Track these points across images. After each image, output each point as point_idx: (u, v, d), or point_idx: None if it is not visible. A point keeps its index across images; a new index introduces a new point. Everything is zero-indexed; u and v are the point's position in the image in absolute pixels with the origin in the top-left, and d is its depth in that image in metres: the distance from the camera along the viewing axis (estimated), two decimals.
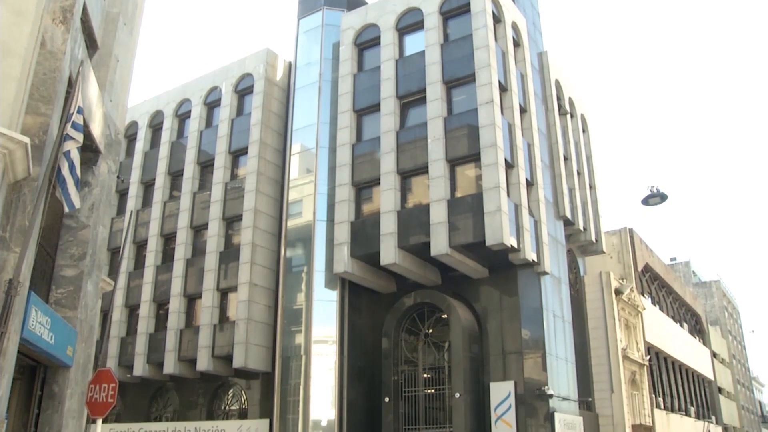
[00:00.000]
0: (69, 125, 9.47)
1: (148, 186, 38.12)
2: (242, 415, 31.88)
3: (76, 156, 9.89)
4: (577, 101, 37.28)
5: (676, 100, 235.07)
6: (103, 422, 15.17)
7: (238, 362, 29.44)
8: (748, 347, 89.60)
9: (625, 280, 37.51)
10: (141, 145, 38.99)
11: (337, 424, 27.73)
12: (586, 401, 31.70)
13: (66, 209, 9.84)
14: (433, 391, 28.12)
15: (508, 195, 26.54)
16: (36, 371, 12.11)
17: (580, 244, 35.32)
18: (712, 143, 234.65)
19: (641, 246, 43.08)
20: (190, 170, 35.55)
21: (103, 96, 13.20)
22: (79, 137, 9.84)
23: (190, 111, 37.21)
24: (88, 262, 12.73)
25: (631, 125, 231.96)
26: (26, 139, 8.86)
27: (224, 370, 31.25)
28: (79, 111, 9.90)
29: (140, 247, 37.16)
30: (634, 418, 34.72)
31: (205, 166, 35.55)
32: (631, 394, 35.20)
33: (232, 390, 33.15)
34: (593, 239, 35.00)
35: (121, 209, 38.19)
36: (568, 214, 31.98)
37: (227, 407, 33.26)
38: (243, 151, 33.58)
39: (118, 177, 15.36)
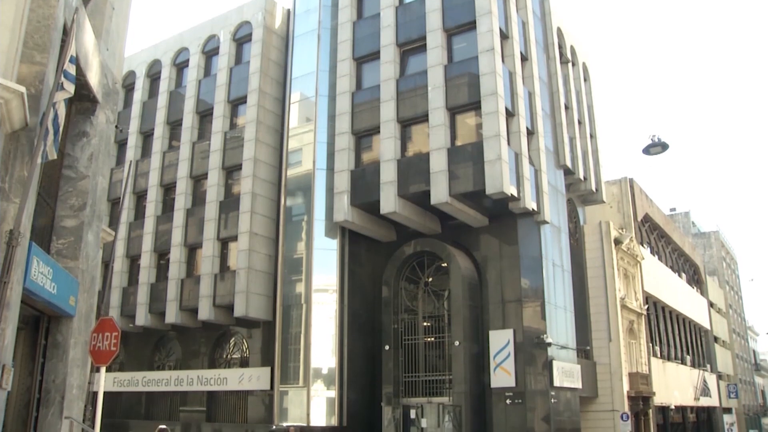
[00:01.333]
0: (62, 75, 9.34)
1: (147, 136, 37.94)
2: (244, 363, 32.28)
3: (62, 107, 9.75)
4: (578, 49, 36.87)
5: (678, 48, 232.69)
6: (107, 371, 15.35)
7: (239, 311, 29.68)
8: (745, 296, 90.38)
9: (624, 230, 37.57)
10: (139, 94, 38.68)
11: (337, 372, 28.07)
12: (584, 350, 32.03)
13: (38, 161, 9.69)
14: (432, 339, 28.41)
15: (509, 143, 26.43)
16: (40, 321, 12.21)
17: (580, 194, 35.29)
18: (713, 93, 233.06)
19: (641, 196, 43.04)
20: (189, 120, 35.34)
21: (100, 45, 13.03)
22: (71, 87, 9.70)
23: (188, 60, 36.82)
24: (88, 212, 12.72)
25: (633, 74, 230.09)
26: (22, 89, 8.75)
27: (225, 319, 31.53)
28: (72, 60, 9.74)
29: (140, 197, 37.15)
30: (631, 366, 35.12)
31: (204, 115, 35.33)
32: (628, 342, 35.55)
33: (233, 339, 33.50)
34: (593, 189, 34.95)
35: (120, 160, 38.10)
36: (569, 163, 31.88)
37: (229, 356, 33.65)
38: (242, 100, 33.33)
39: (116, 127, 15.26)
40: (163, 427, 18.71)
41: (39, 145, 9.23)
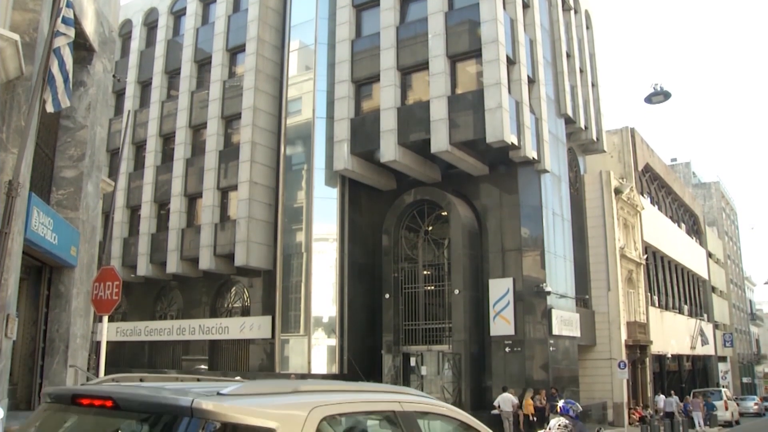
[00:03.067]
0: (59, 20, 9.15)
1: (145, 86, 37.58)
2: (245, 312, 32.53)
3: (67, 53, 9.58)
4: None
5: None
6: (110, 321, 15.45)
7: (239, 260, 29.79)
8: (744, 247, 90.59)
9: (624, 180, 37.49)
10: (136, 44, 38.20)
11: (338, 320, 28.31)
12: (583, 299, 32.23)
13: (50, 109, 9.57)
14: (432, 287, 28.57)
15: (509, 92, 26.21)
16: (42, 271, 12.26)
17: (580, 143, 35.13)
18: (716, 41, 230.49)
19: (642, 145, 42.83)
20: (187, 69, 34.97)
21: None
22: (70, 32, 9.53)
23: (185, 8, 36.24)
24: (87, 162, 12.67)
25: (636, 22, 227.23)
26: (16, 37, 8.62)
27: (226, 268, 31.67)
28: (69, 5, 9.55)
29: (139, 147, 37.00)
30: (629, 315, 35.39)
31: (203, 64, 34.94)
32: (627, 292, 35.75)
33: (234, 288, 33.70)
34: (594, 138, 34.78)
35: (118, 110, 37.77)
36: (570, 112, 31.66)
37: (230, 305, 33.90)
38: (240, 49, 32.89)
39: (114, 76, 15.09)
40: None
41: (36, 94, 9.13)
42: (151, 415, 3.28)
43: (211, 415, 2.99)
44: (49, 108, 9.48)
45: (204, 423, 2.96)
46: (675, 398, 34.47)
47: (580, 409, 11.08)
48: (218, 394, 3.22)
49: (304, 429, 3.29)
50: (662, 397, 34.60)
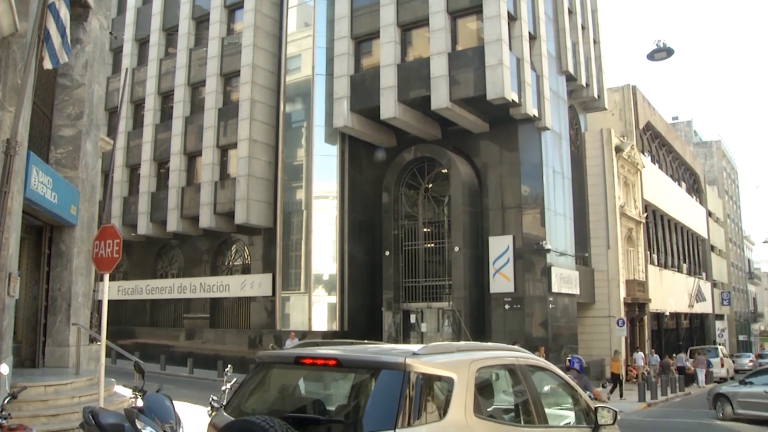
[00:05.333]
0: None
1: (142, 43, 37.22)
2: (245, 270, 32.67)
3: (63, 7, 9.44)
4: None
5: None
6: (111, 280, 15.48)
7: (240, 218, 29.83)
8: (745, 206, 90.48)
9: (625, 138, 37.33)
10: (133, 0, 37.72)
11: (338, 278, 28.45)
12: (582, 256, 32.33)
13: (48, 65, 9.45)
14: (432, 245, 28.64)
15: (510, 48, 25.95)
16: (42, 231, 12.26)
17: (581, 100, 34.90)
18: None
19: (643, 103, 42.56)
20: (185, 26, 34.59)
21: None
22: None
23: None
24: (85, 121, 12.60)
25: None
26: None
27: (227, 226, 31.72)
28: None
29: (138, 106, 36.78)
30: (628, 273, 35.54)
31: (201, 21, 34.55)
32: (626, 250, 35.85)
33: (235, 246, 33.79)
34: (595, 95, 34.53)
35: (116, 68, 37.45)
36: (571, 70, 31.39)
37: (231, 263, 34.02)
38: (239, 5, 32.50)
39: (110, 33, 14.94)
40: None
41: (32, 51, 9.03)
42: (364, 370, 4.67)
43: (416, 368, 4.28)
44: (47, 64, 9.37)
45: (411, 375, 4.24)
46: (656, 356, 34.86)
47: (585, 363, 11.33)
48: (414, 354, 4.46)
49: (468, 377, 4.66)
50: (640, 354, 34.69)
